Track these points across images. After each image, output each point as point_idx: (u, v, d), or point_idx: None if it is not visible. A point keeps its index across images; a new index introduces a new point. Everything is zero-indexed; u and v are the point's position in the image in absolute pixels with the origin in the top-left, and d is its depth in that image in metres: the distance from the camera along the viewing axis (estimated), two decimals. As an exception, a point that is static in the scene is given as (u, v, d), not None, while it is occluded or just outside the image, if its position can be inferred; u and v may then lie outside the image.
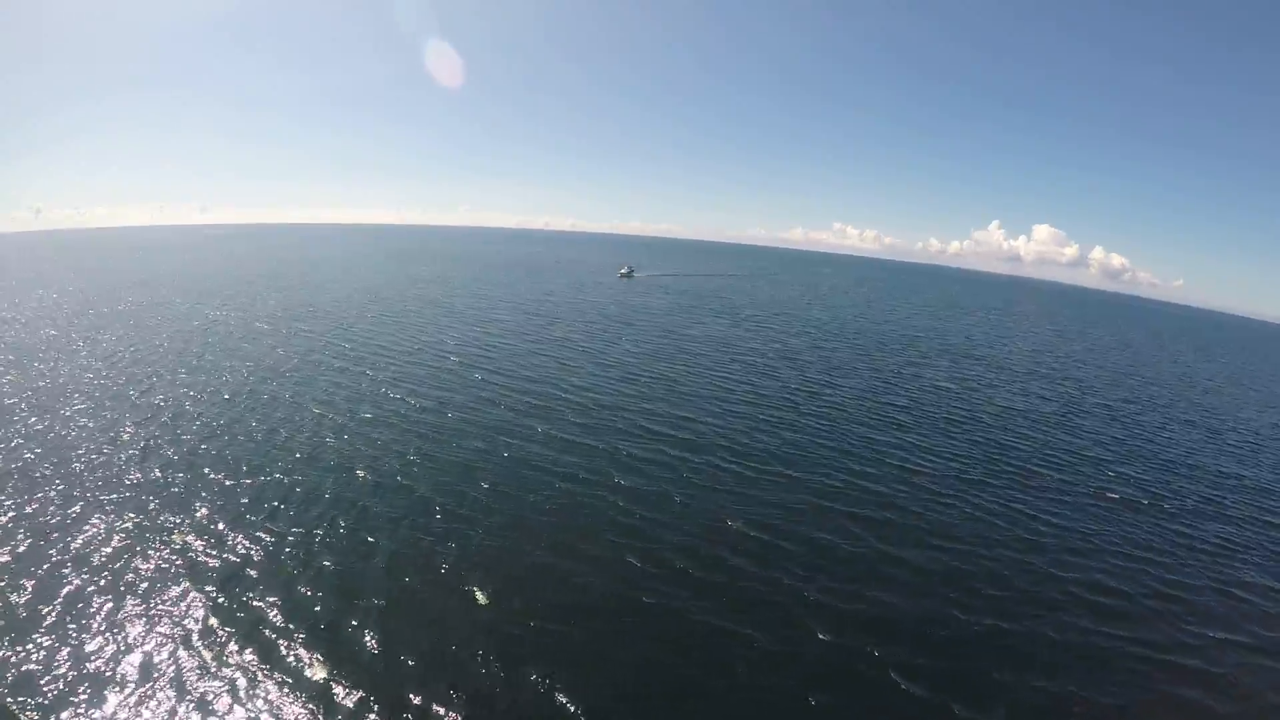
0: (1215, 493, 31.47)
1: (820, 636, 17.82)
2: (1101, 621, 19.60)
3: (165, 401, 34.71)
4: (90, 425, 30.98)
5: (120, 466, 26.52)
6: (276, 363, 44.28)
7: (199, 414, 32.92)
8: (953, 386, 48.69)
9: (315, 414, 33.50)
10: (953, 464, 31.36)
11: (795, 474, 28.78)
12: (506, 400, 37.13)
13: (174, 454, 27.82)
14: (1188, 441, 40.79)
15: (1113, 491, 29.85)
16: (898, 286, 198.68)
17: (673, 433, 32.95)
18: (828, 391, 44.08)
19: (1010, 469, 31.46)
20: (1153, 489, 31.01)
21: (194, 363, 43.19)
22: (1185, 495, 30.45)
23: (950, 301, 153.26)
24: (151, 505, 23.27)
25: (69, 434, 29.70)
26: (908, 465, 30.78)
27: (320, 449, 29.06)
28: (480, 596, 18.69)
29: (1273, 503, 30.82)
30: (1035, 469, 31.82)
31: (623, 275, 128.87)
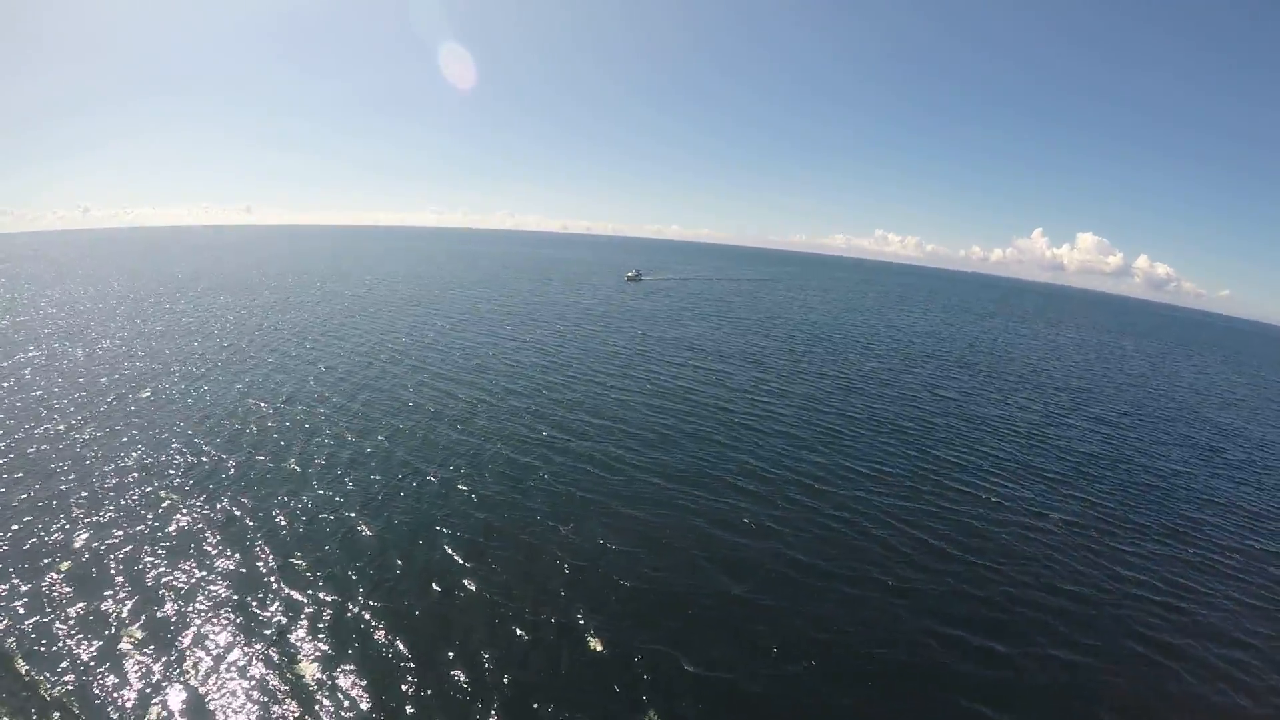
0: (1195, 514, 28.39)
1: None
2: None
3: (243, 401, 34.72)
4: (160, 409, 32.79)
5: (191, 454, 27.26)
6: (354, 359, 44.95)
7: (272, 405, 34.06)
8: (943, 391, 45.65)
9: (391, 421, 32.43)
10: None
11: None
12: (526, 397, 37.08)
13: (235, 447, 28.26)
14: (1177, 457, 36.94)
15: (1056, 511, 26.82)
16: (913, 291, 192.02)
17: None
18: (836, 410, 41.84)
19: (955, 481, 28.72)
20: (1106, 509, 27.79)
21: (271, 358, 44.53)
22: (1150, 515, 27.35)
23: (964, 307, 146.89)
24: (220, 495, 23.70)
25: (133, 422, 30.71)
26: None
27: (390, 447, 28.84)
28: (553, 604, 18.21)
29: (1239, 523, 27.49)
30: (980, 481, 29.04)
31: (629, 279, 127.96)
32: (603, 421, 33.84)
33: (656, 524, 22.89)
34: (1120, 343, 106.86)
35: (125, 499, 23.14)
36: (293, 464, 26.62)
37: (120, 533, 20.77)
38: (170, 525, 21.37)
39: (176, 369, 40.87)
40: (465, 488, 25.09)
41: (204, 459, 26.82)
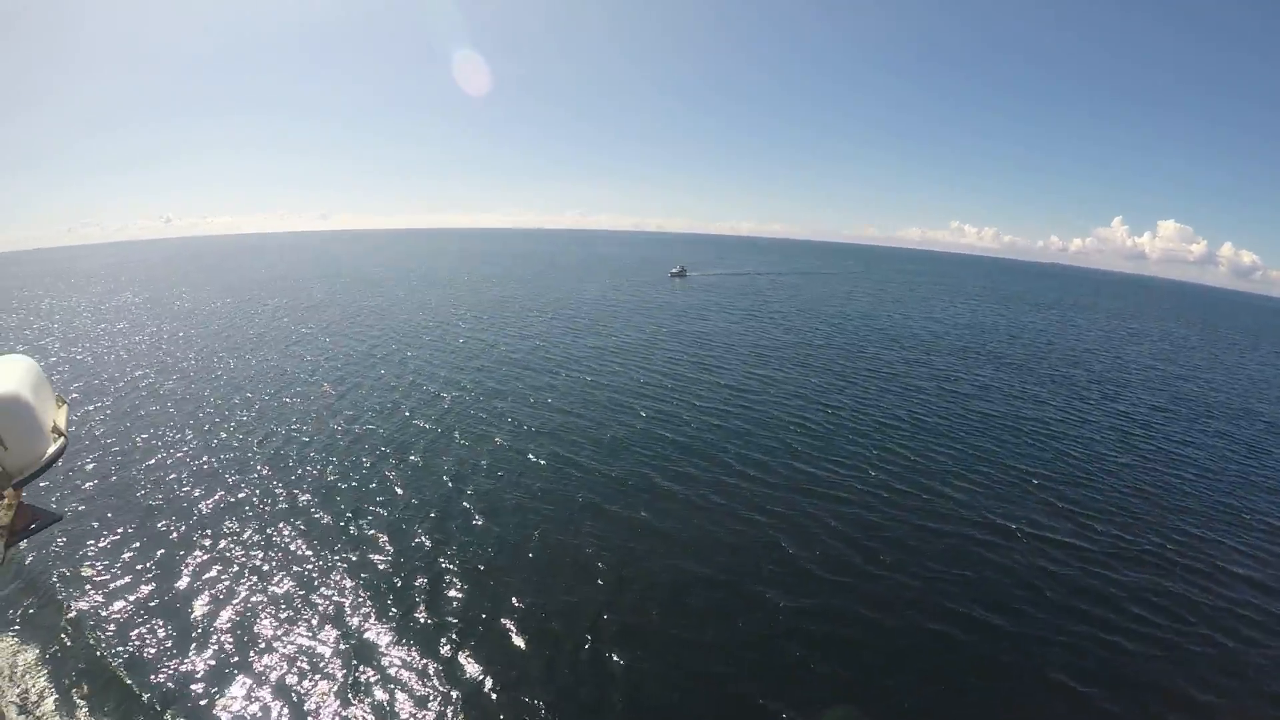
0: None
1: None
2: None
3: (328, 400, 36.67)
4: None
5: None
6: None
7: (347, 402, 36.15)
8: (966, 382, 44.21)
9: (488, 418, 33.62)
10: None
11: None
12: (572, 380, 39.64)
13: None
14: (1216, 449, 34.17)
15: (1017, 522, 25.90)
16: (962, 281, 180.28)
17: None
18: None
19: (900, 475, 27.92)
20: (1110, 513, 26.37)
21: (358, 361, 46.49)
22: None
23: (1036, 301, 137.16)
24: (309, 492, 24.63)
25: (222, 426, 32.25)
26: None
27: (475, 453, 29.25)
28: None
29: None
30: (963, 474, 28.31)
31: (674, 275, 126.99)
32: (564, 408, 35.27)
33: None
34: (1182, 332, 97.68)
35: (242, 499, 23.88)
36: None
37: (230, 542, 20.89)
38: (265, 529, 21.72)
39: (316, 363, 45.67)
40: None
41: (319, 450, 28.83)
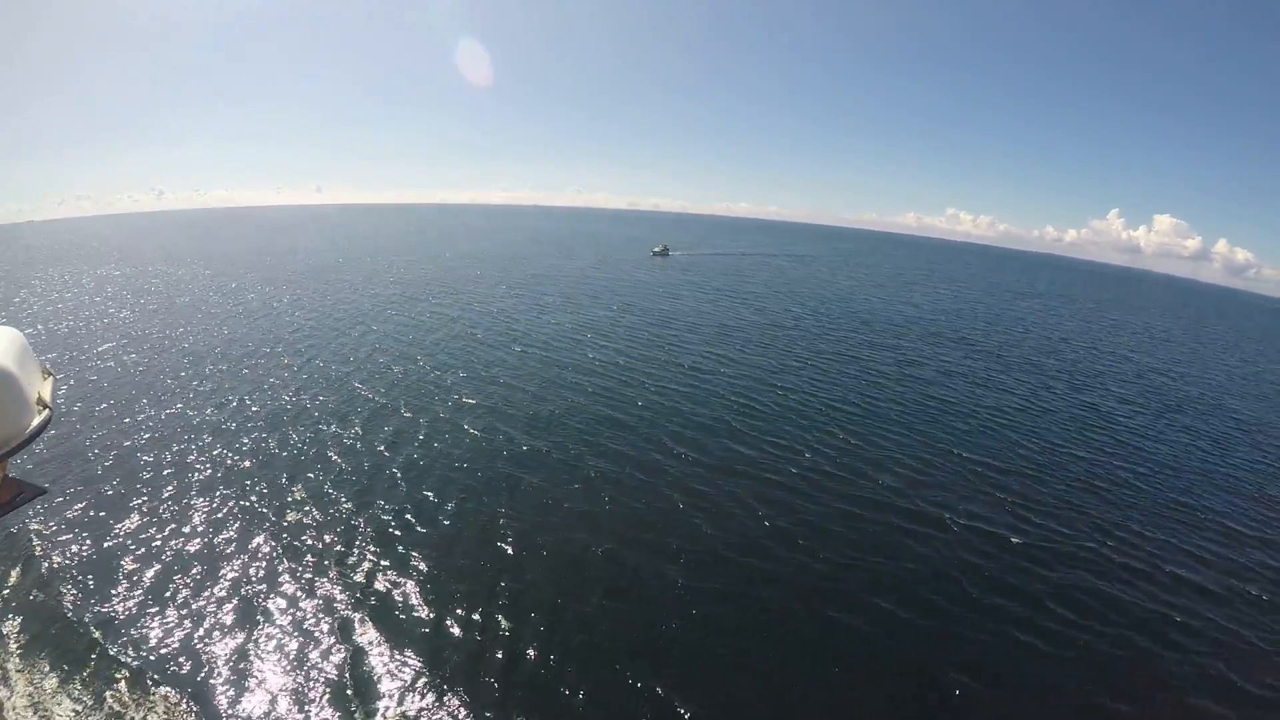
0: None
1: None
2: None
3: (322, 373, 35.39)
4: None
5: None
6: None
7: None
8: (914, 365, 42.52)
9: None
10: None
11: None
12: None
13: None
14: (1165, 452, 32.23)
15: (950, 511, 24.33)
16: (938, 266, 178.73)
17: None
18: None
19: (826, 447, 26.60)
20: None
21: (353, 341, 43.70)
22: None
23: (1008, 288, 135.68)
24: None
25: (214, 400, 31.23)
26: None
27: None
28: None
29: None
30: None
31: (655, 254, 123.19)
32: (511, 382, 34.05)
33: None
34: (1164, 325, 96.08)
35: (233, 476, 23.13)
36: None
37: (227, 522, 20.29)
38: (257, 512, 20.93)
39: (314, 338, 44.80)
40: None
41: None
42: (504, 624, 15.76)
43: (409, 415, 29.26)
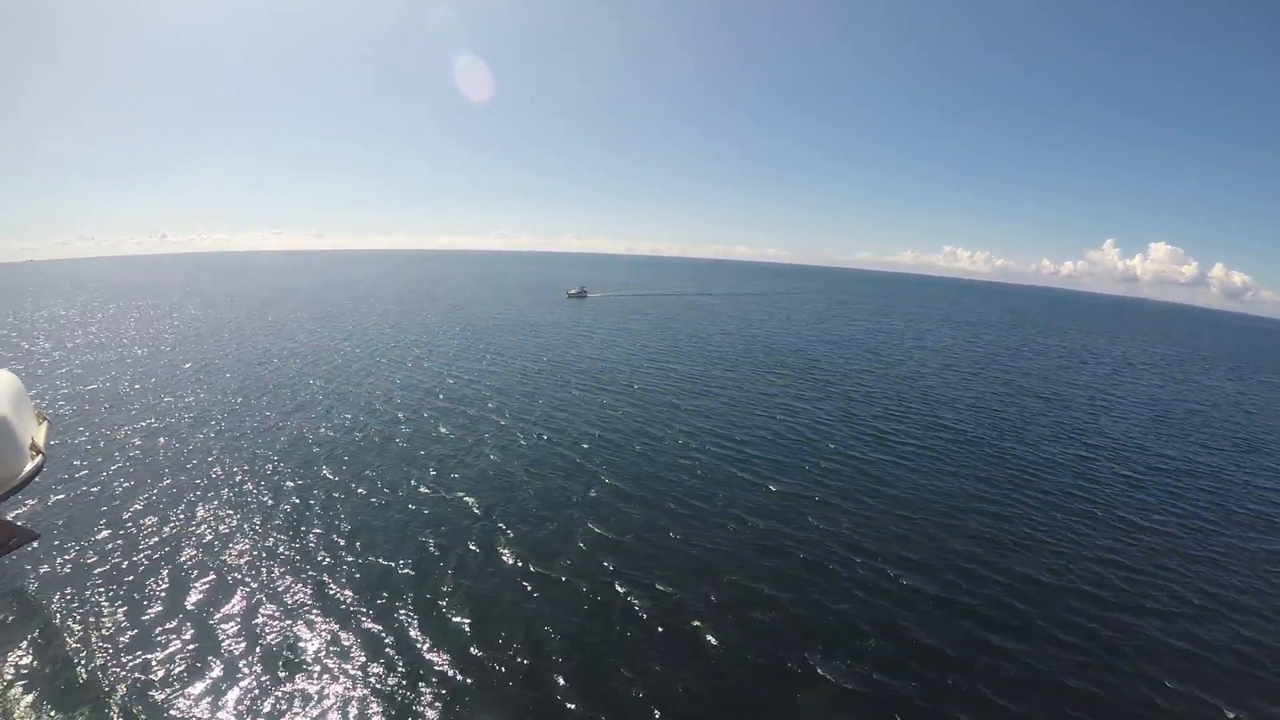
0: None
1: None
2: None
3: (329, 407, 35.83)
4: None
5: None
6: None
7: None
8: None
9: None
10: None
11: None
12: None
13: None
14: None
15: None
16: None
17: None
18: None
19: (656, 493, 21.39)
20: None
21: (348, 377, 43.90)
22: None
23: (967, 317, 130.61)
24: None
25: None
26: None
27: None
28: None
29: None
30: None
31: (571, 296, 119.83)
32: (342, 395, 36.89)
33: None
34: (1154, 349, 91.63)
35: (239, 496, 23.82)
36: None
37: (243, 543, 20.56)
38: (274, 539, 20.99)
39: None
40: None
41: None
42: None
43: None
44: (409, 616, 16.75)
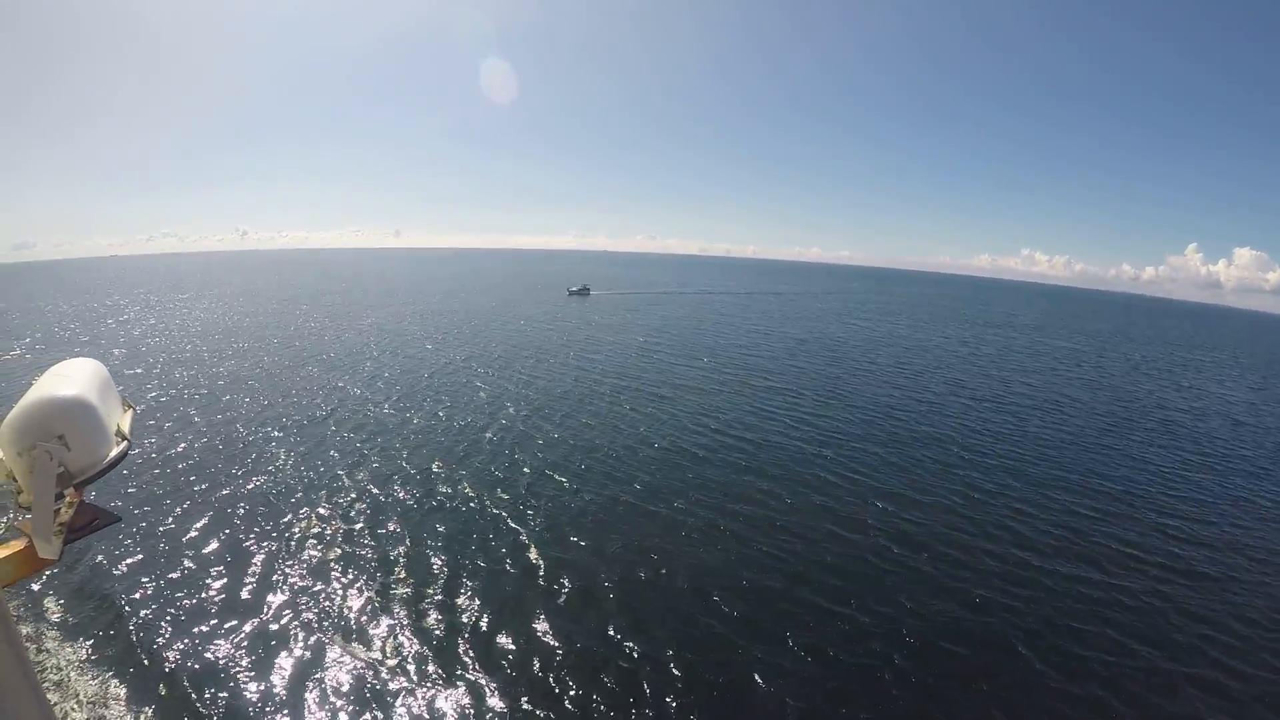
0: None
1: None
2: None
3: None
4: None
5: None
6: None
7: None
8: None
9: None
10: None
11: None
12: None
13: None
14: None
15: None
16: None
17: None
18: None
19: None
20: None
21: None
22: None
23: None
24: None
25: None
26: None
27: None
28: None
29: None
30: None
31: (572, 293, 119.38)
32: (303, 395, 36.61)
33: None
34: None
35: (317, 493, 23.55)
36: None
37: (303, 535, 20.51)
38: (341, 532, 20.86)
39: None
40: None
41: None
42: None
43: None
44: (493, 618, 16.32)
